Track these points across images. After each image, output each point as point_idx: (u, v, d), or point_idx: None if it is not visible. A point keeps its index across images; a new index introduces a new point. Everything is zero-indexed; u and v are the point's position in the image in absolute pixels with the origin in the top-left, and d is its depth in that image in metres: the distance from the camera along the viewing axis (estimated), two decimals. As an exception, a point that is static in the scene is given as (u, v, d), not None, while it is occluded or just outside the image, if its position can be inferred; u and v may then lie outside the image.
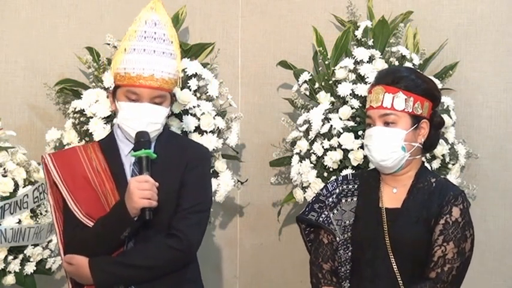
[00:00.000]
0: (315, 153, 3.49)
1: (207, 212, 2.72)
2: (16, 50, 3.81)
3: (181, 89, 3.47)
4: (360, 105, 3.47)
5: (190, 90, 3.49)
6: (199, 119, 3.47)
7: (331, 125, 3.47)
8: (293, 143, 3.63)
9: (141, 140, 2.57)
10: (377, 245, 2.59)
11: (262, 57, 4.03)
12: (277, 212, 3.84)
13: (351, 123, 3.48)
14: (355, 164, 3.43)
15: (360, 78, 3.54)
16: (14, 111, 3.80)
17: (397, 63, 3.56)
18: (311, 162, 3.51)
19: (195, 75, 3.51)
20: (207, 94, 3.54)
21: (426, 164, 2.97)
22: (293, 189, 3.68)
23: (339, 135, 3.45)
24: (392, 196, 2.65)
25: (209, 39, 3.85)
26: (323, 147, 3.47)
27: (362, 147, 3.36)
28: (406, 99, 2.58)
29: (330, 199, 2.71)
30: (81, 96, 3.53)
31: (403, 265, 2.56)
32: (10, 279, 3.20)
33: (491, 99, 3.81)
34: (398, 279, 2.56)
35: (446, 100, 3.54)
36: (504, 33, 3.79)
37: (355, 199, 2.70)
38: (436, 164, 3.51)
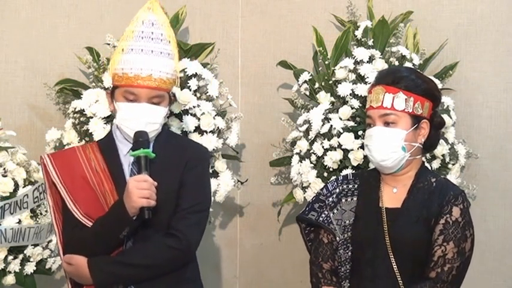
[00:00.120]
0: (315, 153, 3.49)
1: (206, 211, 2.72)
2: (16, 50, 3.81)
3: (181, 89, 3.47)
4: (360, 105, 3.47)
5: (190, 90, 3.49)
6: (199, 119, 3.47)
7: (331, 125, 3.47)
8: (293, 143, 3.63)
9: (139, 139, 2.57)
10: (377, 245, 2.59)
11: (262, 57, 4.03)
12: (277, 212, 3.84)
13: (351, 123, 3.48)
14: (355, 164, 3.43)
15: (360, 78, 3.54)
16: (14, 111, 3.80)
17: (397, 63, 3.56)
18: (311, 162, 3.51)
19: (195, 75, 3.51)
20: (207, 94, 3.54)
21: (426, 164, 2.97)
22: (293, 189, 3.68)
23: (339, 135, 3.45)
24: (392, 196, 2.65)
25: (209, 39, 3.85)
26: (323, 147, 3.47)
27: (362, 147, 3.36)
28: (406, 99, 2.58)
29: (330, 199, 2.71)
30: (81, 96, 3.53)
31: (403, 265, 2.56)
32: (10, 279, 3.20)
33: (491, 99, 3.81)
34: (398, 279, 2.56)
35: (446, 100, 3.54)
36: (504, 33, 3.79)
37: (355, 199, 2.70)
38: (436, 164, 3.51)
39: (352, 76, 3.56)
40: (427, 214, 2.57)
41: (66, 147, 3.41)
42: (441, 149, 3.47)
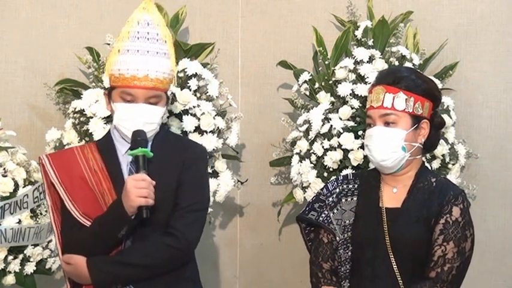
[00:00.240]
0: (315, 153, 3.49)
1: (205, 210, 2.72)
2: (16, 50, 3.81)
3: (181, 89, 3.47)
4: (360, 105, 3.47)
5: (190, 90, 3.49)
6: (199, 119, 3.47)
7: (331, 125, 3.47)
8: (293, 143, 3.63)
9: (137, 138, 2.58)
10: (377, 245, 2.59)
11: (262, 57, 4.03)
12: (277, 212, 3.84)
13: (351, 123, 3.48)
14: (355, 164, 3.43)
15: (360, 78, 3.54)
16: (14, 111, 3.80)
17: (397, 63, 3.56)
18: (311, 162, 3.51)
19: (195, 75, 3.51)
20: (207, 94, 3.54)
21: (426, 164, 2.97)
22: (293, 189, 3.68)
23: (339, 135, 3.45)
24: (392, 196, 2.65)
25: (209, 39, 3.85)
26: (323, 147, 3.47)
27: (362, 147, 3.36)
28: (406, 99, 2.58)
29: (330, 198, 2.71)
30: (81, 96, 3.53)
31: (403, 265, 2.56)
32: (10, 279, 3.20)
33: (491, 99, 3.81)
34: (398, 278, 2.56)
35: (446, 100, 3.54)
36: (504, 33, 3.79)
37: (355, 199, 2.70)
38: (436, 164, 3.51)
39: (352, 76, 3.56)
40: (427, 214, 2.57)
41: (66, 147, 3.41)
42: (441, 149, 3.47)
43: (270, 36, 4.02)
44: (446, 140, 3.52)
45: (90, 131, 3.41)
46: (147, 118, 2.61)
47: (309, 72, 3.68)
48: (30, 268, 3.24)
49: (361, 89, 3.47)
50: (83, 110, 3.47)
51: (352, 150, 3.43)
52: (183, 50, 3.60)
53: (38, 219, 3.24)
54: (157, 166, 2.60)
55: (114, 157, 2.68)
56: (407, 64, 3.53)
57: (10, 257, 3.18)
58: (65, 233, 2.66)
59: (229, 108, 3.66)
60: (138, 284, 2.60)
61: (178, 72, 3.51)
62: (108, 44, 3.56)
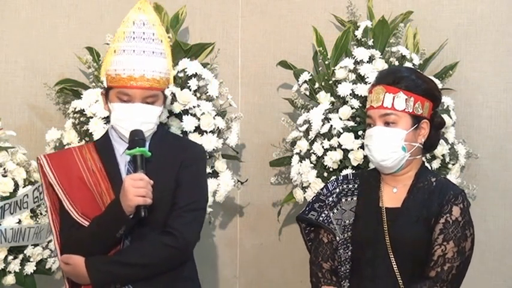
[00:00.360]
0: (315, 153, 3.49)
1: (203, 210, 2.72)
2: (16, 50, 3.81)
3: (181, 89, 3.47)
4: (360, 105, 3.47)
5: (190, 90, 3.49)
6: (199, 119, 3.47)
7: (331, 125, 3.47)
8: (293, 143, 3.63)
9: (135, 138, 2.58)
10: (377, 245, 2.59)
11: (262, 57, 4.03)
12: (277, 212, 3.84)
13: (351, 123, 3.48)
14: (355, 164, 3.43)
15: (360, 78, 3.54)
16: (14, 111, 3.80)
17: (397, 63, 3.56)
18: (311, 162, 3.50)
19: (195, 75, 3.51)
20: (207, 94, 3.54)
21: (426, 164, 2.97)
22: (293, 189, 3.68)
23: (339, 135, 3.45)
24: (392, 196, 2.65)
25: (209, 39, 3.84)
26: (323, 147, 3.47)
27: (362, 147, 3.36)
28: (406, 99, 2.58)
29: (330, 198, 2.71)
30: (81, 96, 3.53)
31: (403, 264, 2.56)
32: (10, 279, 3.20)
33: (491, 99, 3.81)
34: (398, 278, 2.56)
35: (446, 100, 3.54)
36: (504, 33, 3.79)
37: (355, 198, 2.70)
38: (436, 164, 3.50)
39: (352, 76, 3.56)
40: (427, 214, 2.57)
41: (66, 147, 3.41)
42: (441, 149, 3.47)
43: (270, 36, 4.02)
44: (446, 140, 3.52)
45: (90, 131, 3.41)
46: (145, 118, 2.61)
47: (309, 72, 3.68)
48: (30, 268, 3.24)
49: (361, 89, 3.47)
50: (83, 110, 3.47)
51: (352, 150, 3.43)
52: (183, 50, 3.60)
53: (38, 219, 3.24)
54: (155, 166, 2.60)
55: (112, 157, 2.68)
56: (407, 64, 3.53)
57: (10, 257, 3.19)
58: (64, 233, 2.66)
59: (229, 108, 3.66)
60: (136, 284, 2.60)
61: (178, 72, 3.51)
62: (108, 44, 3.56)
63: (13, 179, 3.18)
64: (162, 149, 2.67)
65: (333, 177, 2.99)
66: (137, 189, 2.49)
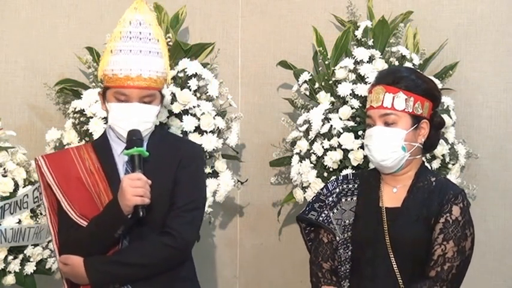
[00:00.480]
0: (315, 153, 3.49)
1: (201, 209, 2.72)
2: (16, 50, 3.81)
3: (181, 89, 3.47)
4: (360, 105, 3.47)
5: (190, 90, 3.49)
6: (199, 119, 3.47)
7: (331, 125, 3.47)
8: (293, 143, 3.63)
9: (133, 138, 2.58)
10: (377, 245, 2.59)
11: (262, 57, 4.03)
12: (277, 212, 3.84)
13: (351, 123, 3.48)
14: (355, 164, 3.43)
15: (360, 78, 3.54)
16: (14, 111, 3.80)
17: (397, 63, 3.56)
18: (311, 162, 3.50)
19: (195, 75, 3.51)
20: (207, 94, 3.54)
21: (426, 164, 2.97)
22: (293, 189, 3.68)
23: (339, 135, 3.45)
24: (392, 195, 2.65)
25: (209, 39, 3.84)
26: (323, 147, 3.47)
27: (362, 147, 3.36)
28: (406, 99, 2.58)
29: (330, 198, 2.71)
30: (81, 96, 3.53)
31: (403, 264, 2.56)
32: (10, 279, 3.20)
33: (491, 99, 3.81)
34: (398, 278, 2.56)
35: (446, 100, 3.54)
36: (504, 33, 3.79)
37: (355, 198, 2.70)
38: (436, 164, 3.50)
39: (352, 76, 3.56)
40: (427, 213, 2.57)
41: (66, 147, 3.41)
42: (441, 149, 3.47)
43: (270, 36, 4.02)
44: (446, 140, 3.52)
45: (90, 131, 3.41)
46: (142, 117, 2.61)
47: (309, 72, 3.68)
48: (30, 268, 3.24)
49: (361, 89, 3.47)
50: (83, 110, 3.47)
51: (352, 150, 3.43)
52: (183, 50, 3.60)
53: (38, 219, 3.24)
54: (153, 165, 2.60)
55: (110, 157, 2.68)
56: (407, 64, 3.53)
57: (10, 257, 3.19)
58: (62, 233, 2.66)
59: (229, 108, 3.66)
60: (135, 284, 2.60)
61: (178, 72, 3.51)
62: (107, 44, 3.57)
63: (13, 179, 3.19)
64: (160, 148, 2.68)
65: (333, 177, 2.99)
66: (135, 189, 2.49)
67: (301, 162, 3.53)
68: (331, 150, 3.46)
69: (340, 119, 3.49)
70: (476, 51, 3.81)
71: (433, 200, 2.58)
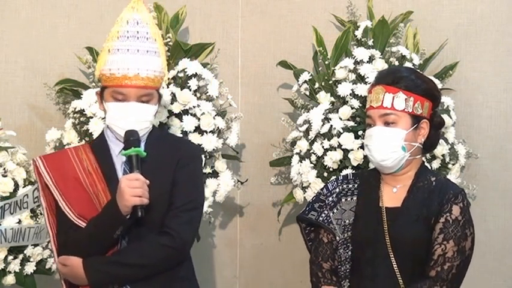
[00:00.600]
0: (315, 153, 3.49)
1: (200, 209, 2.72)
2: (16, 50, 3.81)
3: (181, 89, 3.47)
4: (360, 105, 3.47)
5: (190, 90, 3.49)
6: (199, 119, 3.47)
7: (331, 125, 3.47)
8: (293, 143, 3.63)
9: (130, 138, 2.58)
10: (377, 244, 2.59)
11: (262, 57, 4.03)
12: (277, 212, 3.84)
13: (351, 123, 3.48)
14: (355, 164, 3.43)
15: (360, 78, 3.54)
16: (14, 111, 3.80)
17: (397, 63, 3.56)
18: (311, 162, 3.50)
19: (195, 75, 3.51)
20: (207, 94, 3.54)
21: (426, 164, 2.97)
22: (293, 189, 3.68)
23: (339, 135, 3.45)
24: (392, 195, 2.65)
25: (209, 39, 3.84)
26: (323, 147, 3.47)
27: (362, 147, 3.36)
28: (406, 99, 2.58)
29: (330, 198, 2.71)
30: (81, 96, 3.53)
31: (403, 264, 2.56)
32: (10, 279, 3.21)
33: (491, 99, 3.81)
34: (399, 278, 2.56)
35: (446, 100, 3.54)
36: (504, 33, 3.79)
37: (355, 198, 2.70)
38: (436, 164, 3.50)
39: (352, 76, 3.56)
40: (427, 213, 2.57)
41: (66, 147, 3.41)
42: (441, 149, 3.47)
43: (270, 36, 4.02)
44: (446, 140, 3.52)
45: (90, 131, 3.41)
46: (139, 116, 2.61)
47: (309, 72, 3.68)
48: (30, 268, 3.25)
49: (361, 89, 3.47)
50: (83, 110, 3.47)
51: (352, 150, 3.43)
52: (183, 50, 3.60)
53: (38, 219, 3.25)
54: (151, 165, 2.60)
55: (108, 157, 2.68)
56: (407, 64, 3.53)
57: (10, 257, 3.19)
58: (61, 234, 2.66)
59: (229, 108, 3.66)
60: (134, 284, 2.60)
61: (178, 72, 3.51)
62: (106, 44, 3.56)
63: (13, 179, 3.19)
64: (158, 148, 2.67)
65: (333, 177, 2.99)
66: (133, 189, 2.49)
67: (301, 162, 3.53)
68: (331, 150, 3.46)
69: (340, 119, 3.49)
70: (476, 51, 3.81)
71: (433, 199, 2.58)
